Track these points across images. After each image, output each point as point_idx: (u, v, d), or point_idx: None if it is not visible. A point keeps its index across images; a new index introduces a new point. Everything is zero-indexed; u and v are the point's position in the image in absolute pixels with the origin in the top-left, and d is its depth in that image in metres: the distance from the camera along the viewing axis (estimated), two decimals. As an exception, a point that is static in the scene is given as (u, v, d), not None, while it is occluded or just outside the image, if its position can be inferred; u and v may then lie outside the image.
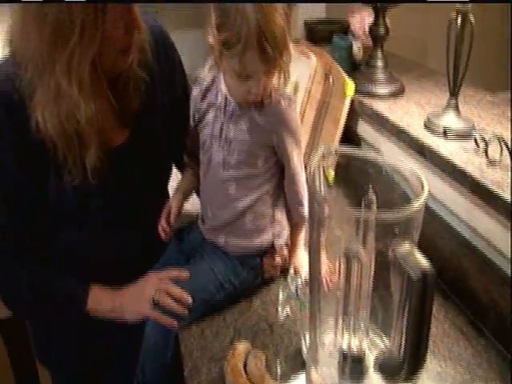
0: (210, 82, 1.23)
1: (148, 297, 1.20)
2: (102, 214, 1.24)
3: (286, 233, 1.31)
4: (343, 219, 0.80)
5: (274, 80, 1.14)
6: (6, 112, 1.11)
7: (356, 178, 0.92)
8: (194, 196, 1.38)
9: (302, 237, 1.33)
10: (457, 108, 1.41)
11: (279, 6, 1.05)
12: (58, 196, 1.18)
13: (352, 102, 1.72)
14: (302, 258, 1.31)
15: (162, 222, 1.26)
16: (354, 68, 1.91)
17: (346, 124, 1.73)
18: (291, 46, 1.11)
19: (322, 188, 0.87)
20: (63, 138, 1.09)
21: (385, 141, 1.63)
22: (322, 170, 0.85)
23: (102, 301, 1.25)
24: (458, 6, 1.32)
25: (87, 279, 1.26)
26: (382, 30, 1.73)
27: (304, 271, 1.30)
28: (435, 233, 1.36)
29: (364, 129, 1.77)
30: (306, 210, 1.27)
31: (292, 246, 1.33)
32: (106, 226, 1.26)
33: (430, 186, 1.35)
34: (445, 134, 1.38)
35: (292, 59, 1.12)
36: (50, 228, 1.23)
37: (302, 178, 1.24)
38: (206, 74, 1.24)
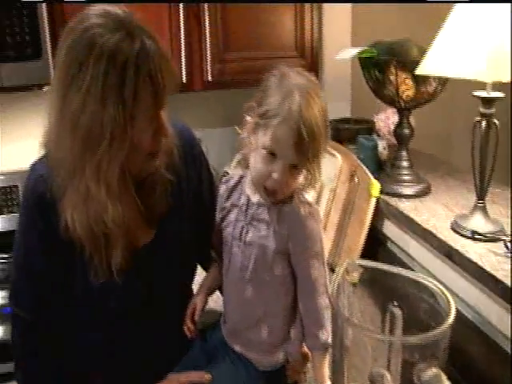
0: (237, 181, 1.25)
1: None
2: (126, 310, 1.23)
3: (300, 348, 1.23)
4: (368, 341, 0.77)
5: (300, 179, 1.14)
6: (39, 212, 1.15)
7: (380, 287, 0.90)
8: (218, 293, 1.37)
9: (326, 371, 1.14)
10: (484, 210, 1.40)
11: (318, 101, 1.07)
12: (82, 292, 1.18)
13: (377, 202, 1.73)
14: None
15: (187, 322, 1.25)
16: (379, 167, 1.92)
17: (371, 224, 1.73)
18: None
19: (346, 306, 0.84)
20: (91, 238, 1.12)
21: (412, 241, 1.62)
22: (346, 285, 0.83)
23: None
24: (481, 109, 1.34)
25: (110, 376, 1.24)
26: (406, 131, 1.75)
27: None
28: (464, 337, 1.32)
29: (390, 229, 1.76)
30: (325, 335, 1.13)
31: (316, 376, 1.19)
32: (128, 323, 1.25)
33: (458, 289, 1.33)
34: (473, 237, 1.36)
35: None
36: (72, 322, 1.22)
37: (319, 294, 1.14)
38: (233, 173, 1.25)
